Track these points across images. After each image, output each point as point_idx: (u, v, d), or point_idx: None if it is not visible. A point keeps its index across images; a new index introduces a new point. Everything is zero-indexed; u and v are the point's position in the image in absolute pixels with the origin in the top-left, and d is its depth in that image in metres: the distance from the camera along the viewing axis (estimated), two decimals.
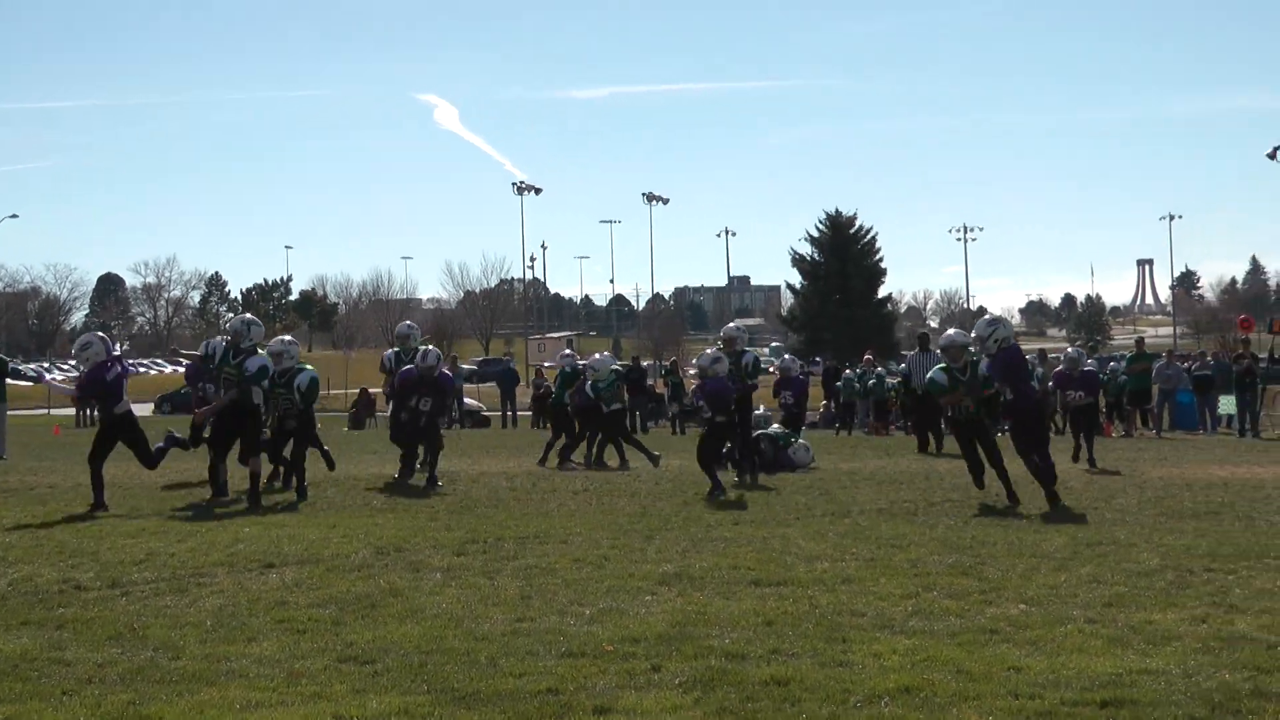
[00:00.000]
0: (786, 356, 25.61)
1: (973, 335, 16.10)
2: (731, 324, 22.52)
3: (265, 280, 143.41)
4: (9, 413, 28.87)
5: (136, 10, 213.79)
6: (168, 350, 54.64)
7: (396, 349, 20.63)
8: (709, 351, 18.20)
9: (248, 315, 18.08)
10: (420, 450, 19.34)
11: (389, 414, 20.83)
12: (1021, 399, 15.67)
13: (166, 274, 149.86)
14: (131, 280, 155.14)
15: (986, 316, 16.33)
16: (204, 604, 9.28)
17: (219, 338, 17.73)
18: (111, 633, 8.30)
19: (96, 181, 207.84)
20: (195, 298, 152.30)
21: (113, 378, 15.65)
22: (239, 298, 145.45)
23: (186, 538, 12.81)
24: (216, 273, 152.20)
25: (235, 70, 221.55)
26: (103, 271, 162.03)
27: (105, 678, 7.16)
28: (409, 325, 20.94)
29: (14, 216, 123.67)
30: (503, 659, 7.50)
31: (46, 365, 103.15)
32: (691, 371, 18.05)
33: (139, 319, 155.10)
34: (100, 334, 16.32)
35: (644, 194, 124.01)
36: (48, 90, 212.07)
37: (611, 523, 13.91)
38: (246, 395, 16.13)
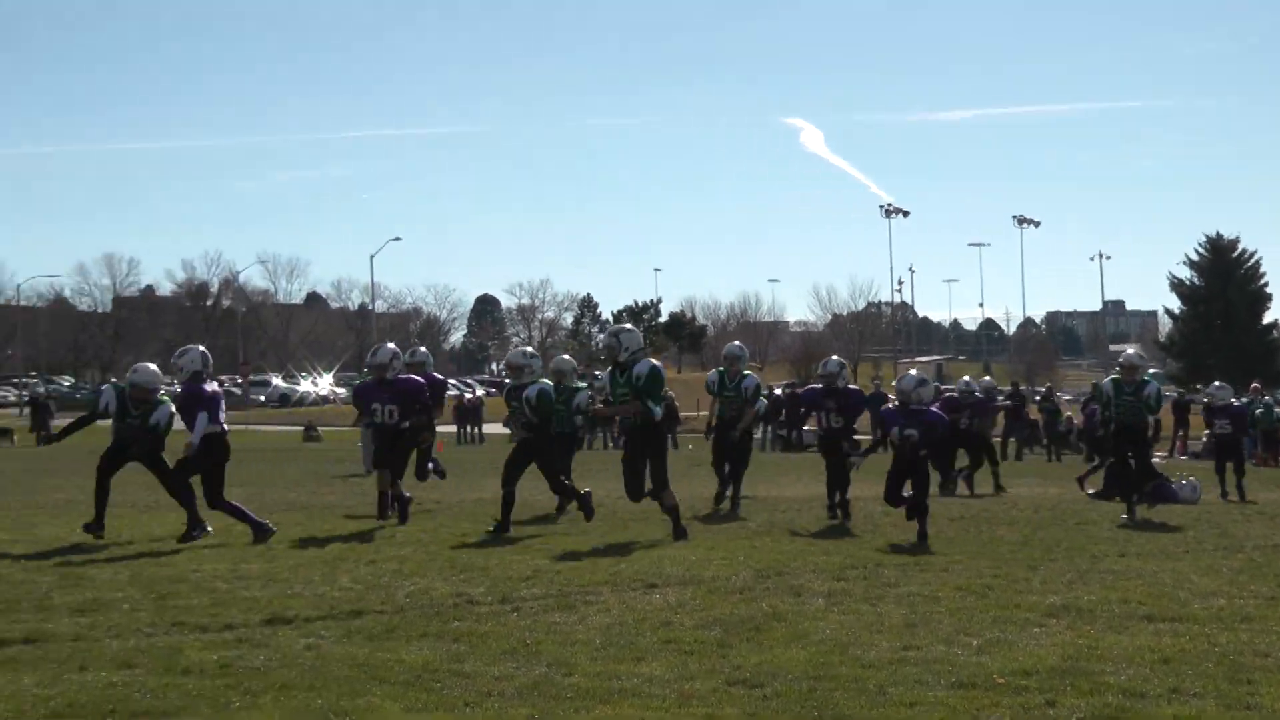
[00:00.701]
0: (1216, 384, 24.75)
1: None
2: (1131, 349, 21.71)
3: (635, 302, 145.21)
4: None
5: (515, 40, 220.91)
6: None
7: (722, 369, 19.54)
8: (912, 373, 16.83)
9: (408, 347, 18.89)
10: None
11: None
12: None
13: (540, 295, 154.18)
14: (507, 301, 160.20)
15: None
16: (592, 622, 9.46)
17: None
18: (506, 647, 8.53)
19: (473, 205, 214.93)
20: (568, 319, 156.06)
21: (209, 395, 15.08)
22: (610, 319, 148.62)
23: (569, 555, 13.11)
24: (588, 294, 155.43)
25: (604, 97, 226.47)
26: (480, 292, 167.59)
27: (504, 691, 7.36)
28: (739, 346, 20.35)
29: (397, 239, 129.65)
30: (892, 687, 7.40)
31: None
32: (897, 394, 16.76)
33: (514, 339, 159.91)
34: (203, 349, 15.86)
35: (1014, 216, 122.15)
36: (427, 116, 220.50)
37: (993, 551, 13.65)
38: (545, 419, 16.25)
